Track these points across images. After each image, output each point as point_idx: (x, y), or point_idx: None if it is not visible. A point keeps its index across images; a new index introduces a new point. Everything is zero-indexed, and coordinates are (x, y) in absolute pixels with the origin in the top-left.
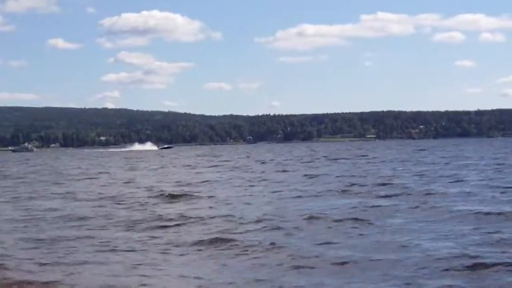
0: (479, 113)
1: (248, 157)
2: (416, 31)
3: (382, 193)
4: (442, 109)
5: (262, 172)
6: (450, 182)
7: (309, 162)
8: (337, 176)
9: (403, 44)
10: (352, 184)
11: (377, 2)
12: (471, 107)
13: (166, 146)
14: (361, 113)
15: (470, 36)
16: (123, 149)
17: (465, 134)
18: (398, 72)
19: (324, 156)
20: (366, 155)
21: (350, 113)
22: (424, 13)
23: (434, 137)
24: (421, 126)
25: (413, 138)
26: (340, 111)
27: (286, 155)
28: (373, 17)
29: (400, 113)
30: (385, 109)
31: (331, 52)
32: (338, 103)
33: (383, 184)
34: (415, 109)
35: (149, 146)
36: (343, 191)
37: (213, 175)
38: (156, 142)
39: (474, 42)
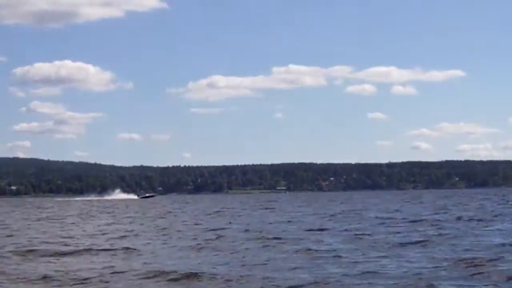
0: (390, 165)
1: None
2: (328, 83)
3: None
4: (353, 161)
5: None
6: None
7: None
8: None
9: (315, 96)
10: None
11: (289, 55)
12: (382, 159)
13: (147, 195)
14: (272, 165)
15: (382, 88)
16: (100, 198)
17: (376, 186)
18: (310, 124)
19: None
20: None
21: (260, 165)
22: (336, 65)
23: (344, 189)
24: (332, 178)
25: (323, 190)
26: (250, 163)
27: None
28: (285, 69)
29: (310, 165)
30: (295, 161)
31: (242, 103)
32: (249, 155)
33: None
34: (326, 161)
35: (126, 195)
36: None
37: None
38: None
39: (386, 94)
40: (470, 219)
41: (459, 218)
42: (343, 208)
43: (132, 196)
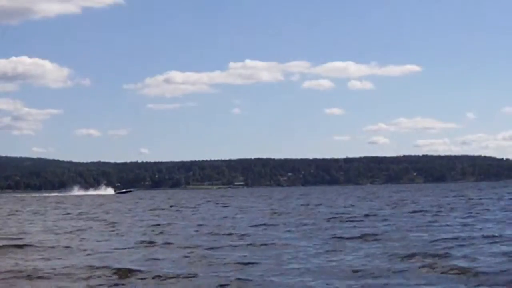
0: (347, 160)
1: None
2: (285, 78)
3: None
4: (310, 156)
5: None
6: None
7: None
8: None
9: (272, 91)
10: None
11: (246, 50)
12: (340, 154)
13: (124, 190)
14: (230, 160)
15: (339, 83)
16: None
17: (333, 181)
18: (267, 119)
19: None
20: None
21: (218, 160)
22: (293, 60)
23: (303, 184)
24: (290, 174)
25: (282, 185)
26: (208, 158)
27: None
28: (242, 64)
29: (268, 161)
30: (253, 157)
31: (199, 99)
32: (206, 151)
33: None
34: (283, 156)
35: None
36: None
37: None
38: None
39: (343, 89)
40: (422, 213)
41: (413, 211)
42: (298, 203)
43: (109, 191)
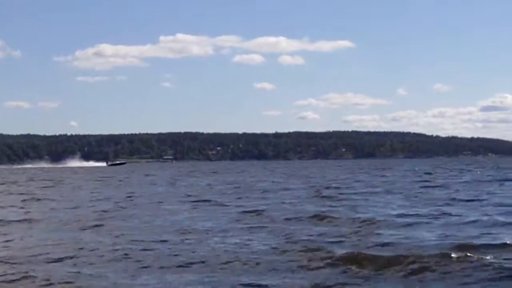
0: (277, 135)
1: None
2: (215, 52)
3: None
4: (240, 131)
5: None
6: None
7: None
8: None
9: (203, 65)
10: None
11: (176, 24)
12: (269, 129)
13: (117, 162)
14: (159, 134)
15: (270, 58)
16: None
17: (262, 156)
18: (197, 93)
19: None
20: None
21: (147, 134)
22: (224, 35)
23: (231, 159)
24: (219, 148)
25: (211, 160)
26: (137, 132)
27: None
28: (172, 38)
29: (197, 135)
30: (182, 130)
31: (129, 72)
32: (136, 124)
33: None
34: (213, 130)
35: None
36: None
37: None
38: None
39: (273, 64)
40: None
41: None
42: (214, 178)
43: (100, 164)
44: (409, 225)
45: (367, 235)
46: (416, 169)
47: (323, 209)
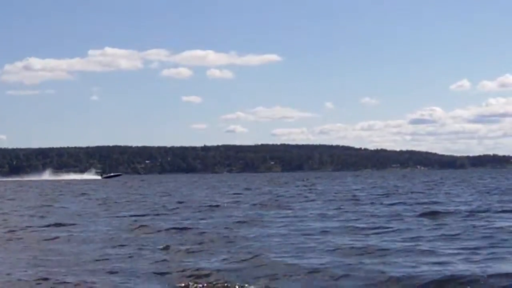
0: (205, 148)
1: None
2: (144, 66)
3: None
4: (168, 144)
5: None
6: None
7: None
8: None
9: (131, 79)
10: None
11: (105, 37)
12: (198, 143)
13: (112, 174)
14: (87, 147)
15: (198, 72)
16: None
17: (191, 169)
18: (126, 106)
19: None
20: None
21: (76, 147)
22: (153, 48)
23: (160, 172)
24: (147, 161)
25: (139, 173)
26: (66, 146)
27: None
28: (101, 52)
29: (126, 148)
30: (111, 144)
31: (58, 86)
32: (65, 138)
33: None
34: (141, 144)
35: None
36: None
37: None
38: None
39: (201, 78)
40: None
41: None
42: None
43: (94, 176)
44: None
45: None
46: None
47: None
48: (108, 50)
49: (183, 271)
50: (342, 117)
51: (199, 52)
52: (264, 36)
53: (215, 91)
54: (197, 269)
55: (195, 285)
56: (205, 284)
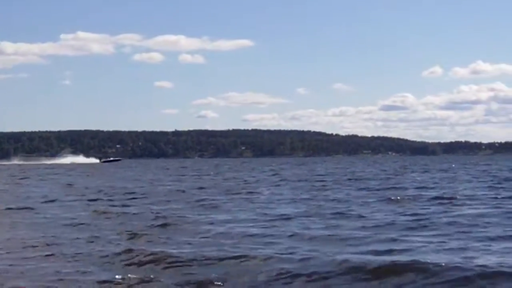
0: (176, 133)
1: None
2: (116, 50)
3: None
4: (139, 129)
5: None
6: None
7: None
8: None
9: (103, 63)
10: None
11: (78, 22)
12: (169, 127)
13: (111, 159)
14: (59, 131)
15: (169, 56)
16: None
17: (162, 154)
18: (97, 91)
19: None
20: None
21: (47, 131)
22: (125, 33)
23: (130, 157)
24: (118, 146)
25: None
26: (37, 130)
27: None
28: (73, 36)
29: (97, 132)
30: (83, 128)
31: (30, 70)
32: (36, 122)
33: None
34: (112, 128)
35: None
36: None
37: None
38: None
39: (173, 63)
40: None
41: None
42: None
43: (94, 160)
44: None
45: None
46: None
47: None
48: (80, 34)
49: (138, 256)
50: (314, 103)
51: (171, 37)
52: (237, 21)
53: (187, 76)
54: (152, 254)
55: (152, 269)
56: (161, 269)
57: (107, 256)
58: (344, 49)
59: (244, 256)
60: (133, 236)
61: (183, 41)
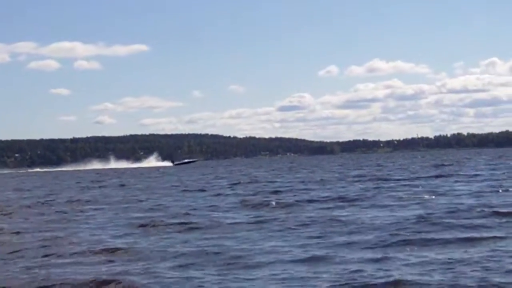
0: (74, 140)
1: None
2: (11, 59)
3: None
4: (37, 137)
5: None
6: None
7: None
8: None
9: None
10: None
11: None
12: (66, 135)
13: (186, 161)
14: None
15: (65, 63)
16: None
17: (60, 162)
18: None
19: None
20: None
21: None
22: (20, 41)
23: (29, 166)
24: (17, 155)
25: (9, 167)
26: None
27: None
28: None
29: None
30: None
31: None
32: None
33: None
34: (10, 137)
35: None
36: None
37: None
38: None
39: (69, 69)
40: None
41: None
42: None
43: (167, 163)
44: None
45: None
46: None
47: None
48: None
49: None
50: (210, 106)
51: (66, 44)
52: (132, 27)
53: (83, 83)
54: None
55: None
56: None
57: None
58: (238, 51)
59: None
60: None
61: (79, 48)
